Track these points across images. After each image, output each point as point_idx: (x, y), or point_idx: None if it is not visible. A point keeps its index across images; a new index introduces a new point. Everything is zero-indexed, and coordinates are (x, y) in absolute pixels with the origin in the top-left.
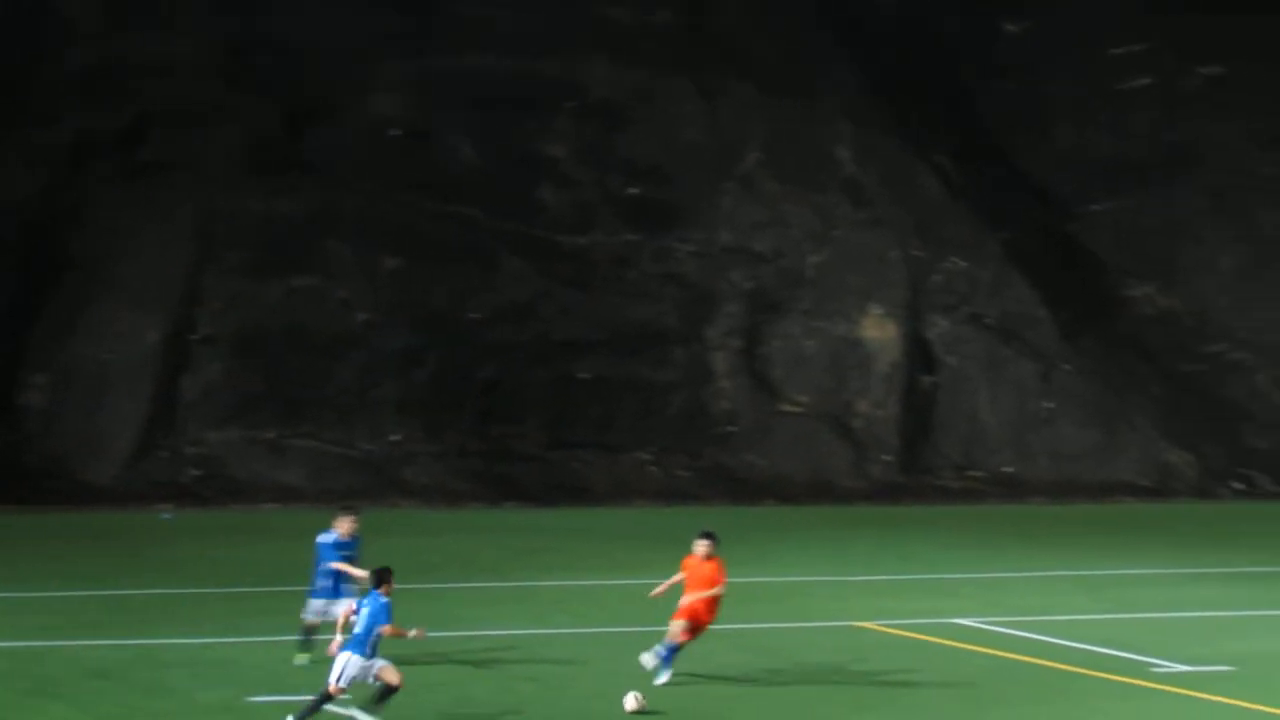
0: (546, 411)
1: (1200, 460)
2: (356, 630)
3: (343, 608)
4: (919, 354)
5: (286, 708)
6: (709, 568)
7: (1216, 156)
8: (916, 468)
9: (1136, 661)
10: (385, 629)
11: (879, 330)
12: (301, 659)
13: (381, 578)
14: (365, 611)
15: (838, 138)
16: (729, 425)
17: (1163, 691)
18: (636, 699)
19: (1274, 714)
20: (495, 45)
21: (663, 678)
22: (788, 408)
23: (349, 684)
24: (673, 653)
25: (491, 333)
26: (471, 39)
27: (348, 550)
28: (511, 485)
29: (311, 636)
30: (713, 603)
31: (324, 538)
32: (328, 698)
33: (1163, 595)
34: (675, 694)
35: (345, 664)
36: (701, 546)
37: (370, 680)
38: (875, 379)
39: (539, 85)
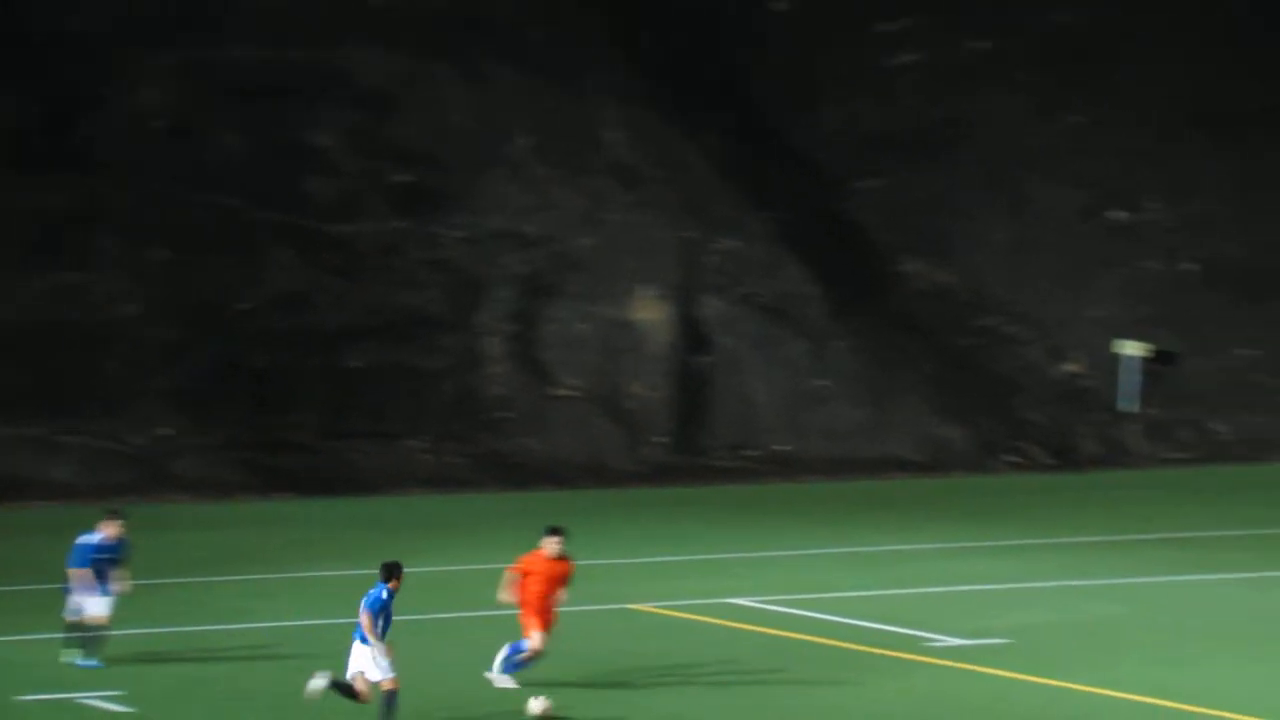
0: (318, 401)
1: (974, 434)
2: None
3: (98, 607)
4: (692, 335)
5: (56, 706)
6: (560, 569)
7: (986, 131)
8: (691, 449)
9: (912, 636)
10: (363, 617)
11: (651, 312)
12: (69, 656)
13: (391, 572)
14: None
15: (606, 120)
16: (502, 411)
17: (939, 666)
18: (540, 703)
19: (1049, 684)
20: (260, 34)
21: (509, 682)
22: (561, 392)
23: (388, 671)
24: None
25: (261, 323)
26: (236, 28)
27: (112, 553)
28: (284, 476)
29: (76, 634)
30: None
31: (85, 539)
32: (393, 694)
33: (938, 570)
34: (454, 682)
35: (373, 657)
36: (552, 545)
37: (376, 675)
38: (648, 361)
39: (304, 73)
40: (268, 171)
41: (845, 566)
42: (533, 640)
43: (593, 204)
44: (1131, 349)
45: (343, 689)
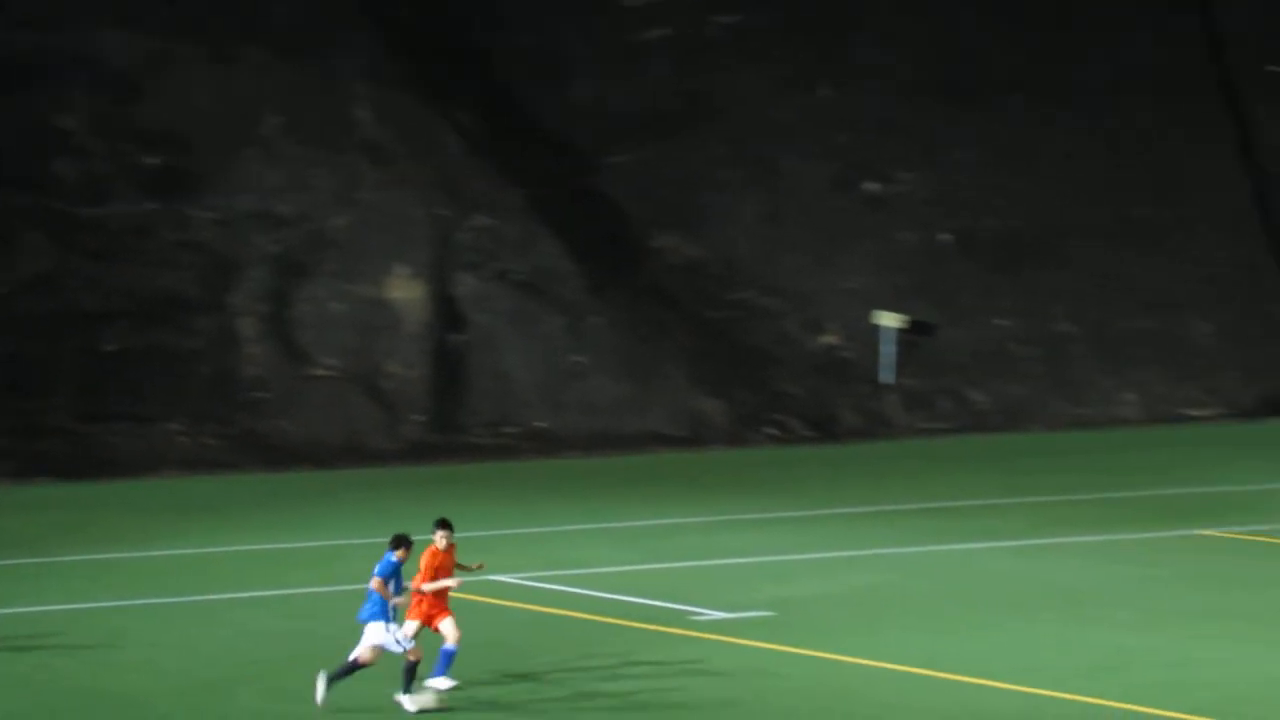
0: (74, 385)
1: (733, 408)
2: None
3: None
4: (447, 313)
5: None
6: (451, 558)
7: (736, 105)
8: (449, 427)
9: (676, 610)
10: (374, 581)
11: (406, 290)
12: None
13: (399, 541)
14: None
15: (356, 98)
16: (259, 391)
17: (703, 639)
18: (434, 695)
19: (813, 655)
20: (3, 17)
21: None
22: (318, 371)
23: (409, 643)
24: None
25: (13, 308)
26: None
27: None
28: (42, 461)
29: None
30: (443, 595)
31: None
32: (414, 665)
33: (700, 544)
34: (219, 664)
35: (393, 635)
36: (442, 538)
37: (398, 649)
38: (404, 339)
39: (50, 57)
40: (16, 155)
41: (607, 542)
42: (450, 633)
43: (345, 183)
44: (888, 320)
45: (343, 674)
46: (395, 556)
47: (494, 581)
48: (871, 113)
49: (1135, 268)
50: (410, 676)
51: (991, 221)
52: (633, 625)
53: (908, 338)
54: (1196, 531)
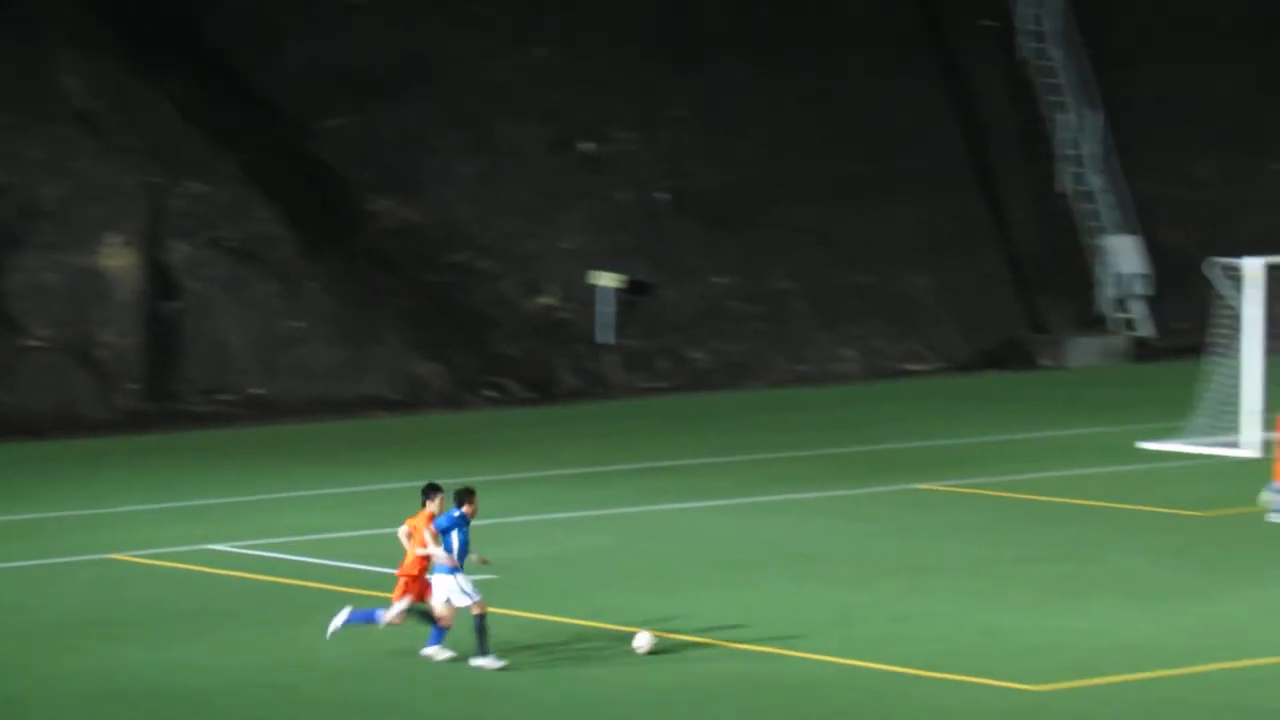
0: None
1: (450, 370)
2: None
3: None
4: (161, 281)
5: None
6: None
7: (450, 66)
8: (164, 395)
9: (391, 575)
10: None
11: (119, 259)
12: None
13: (463, 498)
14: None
15: (64, 66)
16: None
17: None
18: (648, 640)
19: (532, 617)
20: None
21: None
22: (30, 342)
23: (475, 595)
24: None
25: None
26: None
27: None
28: None
29: None
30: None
31: None
32: (482, 617)
33: (417, 508)
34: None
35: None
36: (436, 506)
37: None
38: (118, 308)
39: None
40: None
41: (324, 508)
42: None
43: (55, 152)
44: (606, 280)
45: (424, 615)
46: (464, 512)
47: (209, 550)
48: (587, 72)
49: (852, 224)
50: (482, 635)
51: (708, 179)
52: (352, 591)
53: (626, 297)
54: (915, 485)
